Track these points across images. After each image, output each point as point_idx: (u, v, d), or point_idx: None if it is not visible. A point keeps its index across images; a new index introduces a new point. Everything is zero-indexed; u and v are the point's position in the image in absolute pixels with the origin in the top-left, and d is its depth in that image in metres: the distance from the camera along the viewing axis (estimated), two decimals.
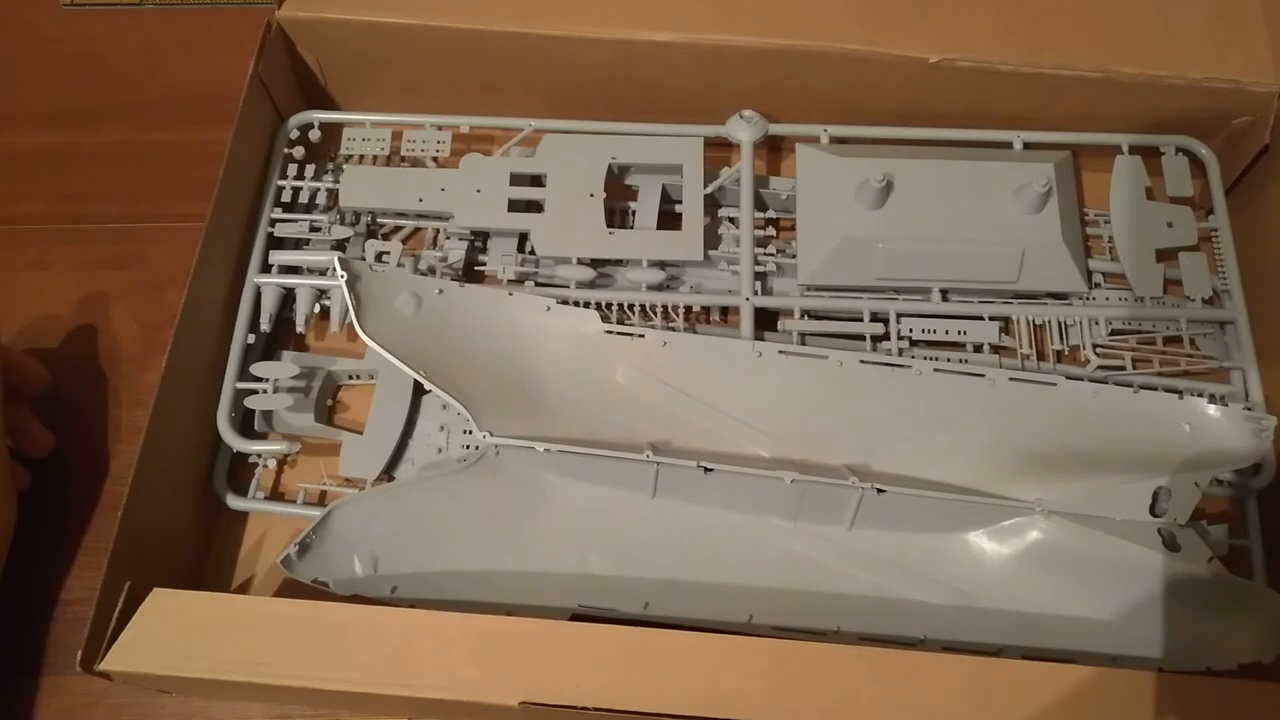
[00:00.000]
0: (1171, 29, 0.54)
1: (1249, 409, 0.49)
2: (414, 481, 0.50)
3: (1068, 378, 0.50)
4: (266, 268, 0.55)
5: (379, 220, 0.58)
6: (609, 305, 0.53)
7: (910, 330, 0.53)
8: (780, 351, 0.51)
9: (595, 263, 0.55)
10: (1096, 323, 0.53)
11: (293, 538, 0.45)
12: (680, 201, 0.56)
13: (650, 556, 0.48)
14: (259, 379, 0.52)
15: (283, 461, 0.54)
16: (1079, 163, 0.58)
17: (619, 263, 0.55)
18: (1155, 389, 0.51)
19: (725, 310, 0.56)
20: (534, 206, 0.56)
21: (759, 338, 0.52)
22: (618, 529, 0.49)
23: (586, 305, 0.53)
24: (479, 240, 0.57)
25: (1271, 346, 0.52)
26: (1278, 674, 0.44)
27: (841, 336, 0.54)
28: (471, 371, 0.49)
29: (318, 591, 0.45)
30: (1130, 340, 0.53)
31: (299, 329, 0.55)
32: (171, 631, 0.41)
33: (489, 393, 0.49)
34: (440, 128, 0.58)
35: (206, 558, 0.52)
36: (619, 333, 0.52)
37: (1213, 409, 0.48)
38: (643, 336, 0.51)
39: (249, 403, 0.51)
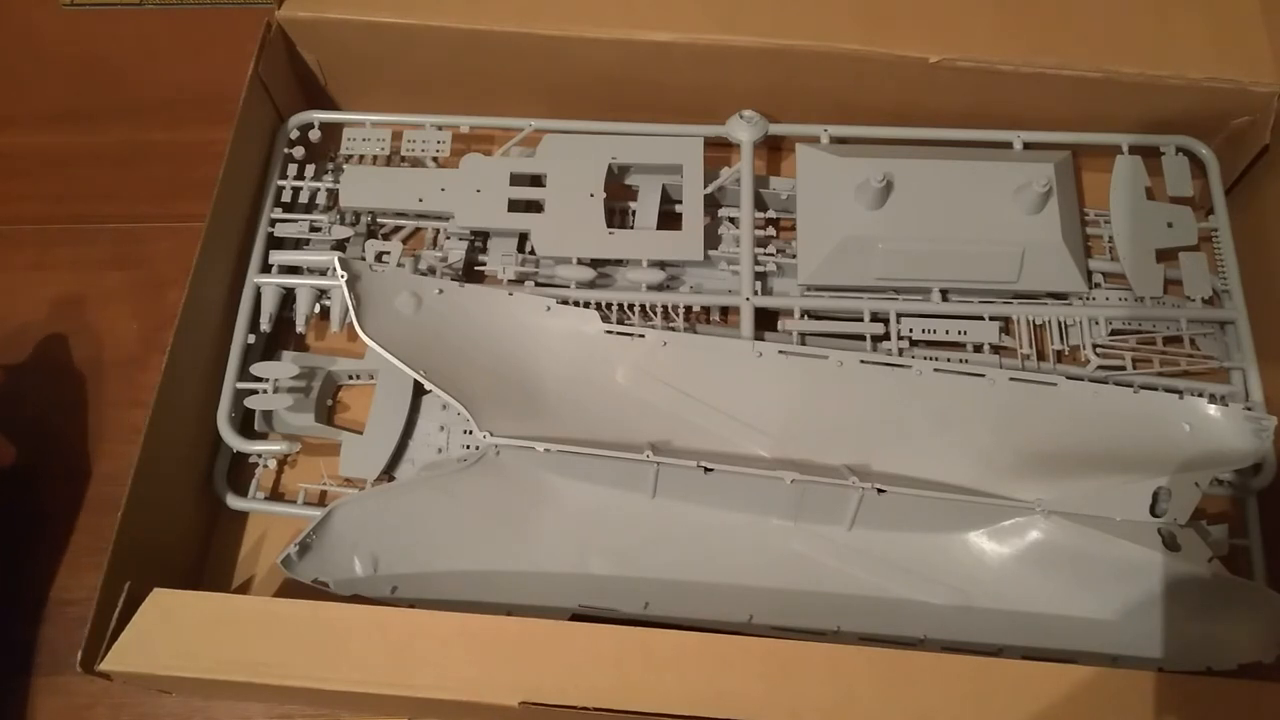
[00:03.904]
0: (1171, 29, 0.54)
1: (1249, 409, 0.49)
2: (414, 481, 0.50)
3: (1068, 378, 0.50)
4: (266, 268, 0.55)
5: (379, 220, 0.58)
6: (609, 305, 0.53)
7: (910, 330, 0.53)
8: (780, 351, 0.51)
9: (595, 263, 0.55)
10: (1096, 323, 0.53)
11: (293, 538, 0.46)
12: (680, 201, 0.56)
13: (650, 556, 0.48)
14: (259, 379, 0.52)
15: (283, 461, 0.54)
16: (1079, 163, 0.58)
17: (619, 263, 0.55)
18: (1155, 389, 0.51)
19: (725, 310, 0.56)
20: (534, 206, 0.56)
21: (759, 338, 0.52)
22: (618, 529, 0.49)
23: (586, 305, 0.53)
24: (479, 240, 0.57)
25: (1271, 346, 0.52)
26: (1278, 674, 0.44)
27: (841, 336, 0.54)
28: (471, 371, 0.49)
29: (318, 591, 0.45)
30: (1130, 340, 0.53)
31: (299, 329, 0.55)
32: (171, 631, 0.41)
33: (489, 393, 0.49)
34: (440, 128, 0.58)
35: (206, 558, 0.52)
36: (619, 333, 0.52)
37: (1213, 409, 0.48)
38: (643, 336, 0.51)
39: (249, 403, 0.51)
